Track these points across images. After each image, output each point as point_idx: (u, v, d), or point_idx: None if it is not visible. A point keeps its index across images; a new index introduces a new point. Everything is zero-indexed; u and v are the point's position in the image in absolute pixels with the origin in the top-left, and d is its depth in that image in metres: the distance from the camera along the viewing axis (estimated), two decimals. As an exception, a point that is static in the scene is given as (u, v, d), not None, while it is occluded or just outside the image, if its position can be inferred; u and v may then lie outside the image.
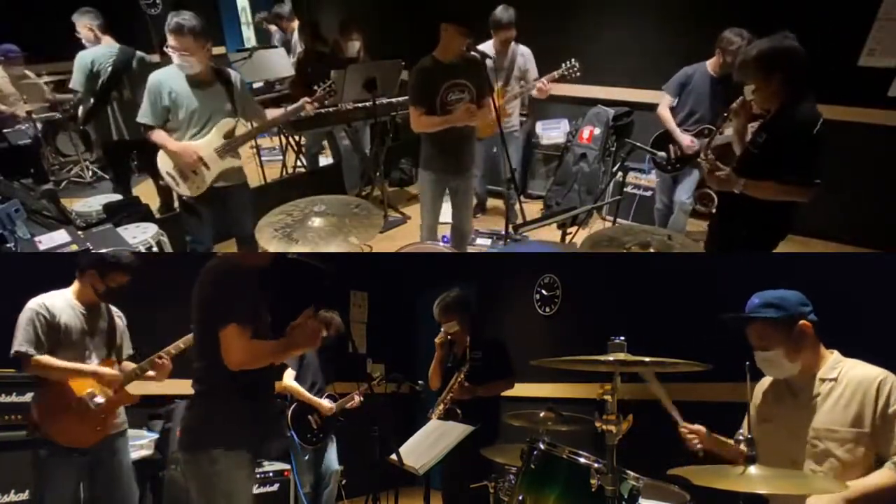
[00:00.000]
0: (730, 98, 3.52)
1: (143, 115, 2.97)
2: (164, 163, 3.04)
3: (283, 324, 1.86)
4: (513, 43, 4.36)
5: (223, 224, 3.40)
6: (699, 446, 1.71)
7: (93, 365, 2.09)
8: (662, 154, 3.96)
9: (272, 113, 3.41)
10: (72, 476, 2.06)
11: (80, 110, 4.41)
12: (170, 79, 2.92)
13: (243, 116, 3.15)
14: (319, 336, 1.83)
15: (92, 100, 4.10)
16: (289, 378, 3.04)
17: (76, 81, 4.06)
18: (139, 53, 4.13)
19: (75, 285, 2.12)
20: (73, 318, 2.07)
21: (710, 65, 3.73)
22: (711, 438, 1.72)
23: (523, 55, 4.43)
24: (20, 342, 1.96)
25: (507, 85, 4.44)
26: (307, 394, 3.02)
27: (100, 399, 2.07)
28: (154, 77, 2.94)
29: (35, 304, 2.02)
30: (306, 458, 2.99)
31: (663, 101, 3.95)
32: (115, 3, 4.31)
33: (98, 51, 4.01)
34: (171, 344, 2.21)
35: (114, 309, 2.25)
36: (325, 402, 3.02)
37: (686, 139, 3.82)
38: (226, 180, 3.16)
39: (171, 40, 2.80)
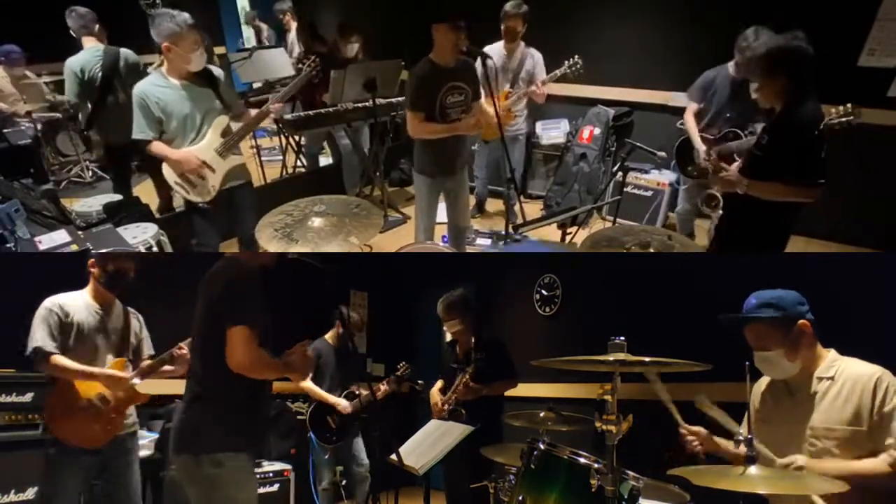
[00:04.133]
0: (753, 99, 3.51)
1: (138, 131, 2.85)
2: (169, 173, 2.96)
3: (281, 329, 1.86)
4: (522, 44, 4.33)
5: (228, 224, 3.37)
6: (699, 448, 1.70)
7: (103, 368, 2.11)
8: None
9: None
10: (79, 476, 2.06)
11: (81, 116, 4.33)
12: (154, 88, 2.80)
13: (231, 110, 3.04)
14: (312, 367, 1.84)
15: (90, 105, 4.02)
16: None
17: (70, 92, 3.96)
18: (123, 52, 3.97)
19: (89, 284, 2.18)
20: (88, 317, 2.12)
21: (732, 67, 3.66)
22: (711, 440, 1.72)
23: (532, 57, 4.37)
24: (33, 339, 2.01)
25: (514, 86, 4.39)
26: (323, 393, 3.03)
27: (108, 399, 2.10)
28: (138, 90, 2.81)
29: (49, 302, 2.07)
30: (326, 456, 3.03)
31: (689, 108, 3.89)
32: (110, 1, 4.27)
33: (83, 57, 3.88)
34: (172, 342, 2.21)
35: (131, 310, 2.30)
36: (342, 401, 3.04)
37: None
38: (232, 180, 3.11)
39: (181, 41, 2.70)
